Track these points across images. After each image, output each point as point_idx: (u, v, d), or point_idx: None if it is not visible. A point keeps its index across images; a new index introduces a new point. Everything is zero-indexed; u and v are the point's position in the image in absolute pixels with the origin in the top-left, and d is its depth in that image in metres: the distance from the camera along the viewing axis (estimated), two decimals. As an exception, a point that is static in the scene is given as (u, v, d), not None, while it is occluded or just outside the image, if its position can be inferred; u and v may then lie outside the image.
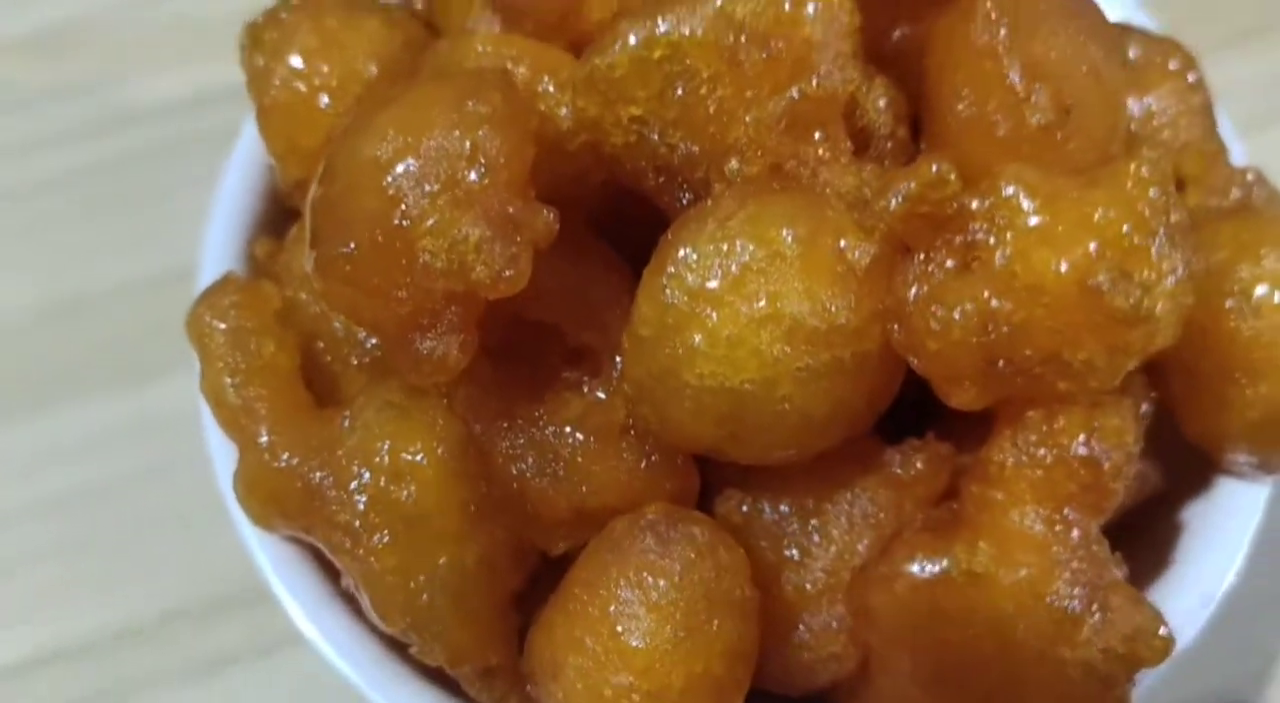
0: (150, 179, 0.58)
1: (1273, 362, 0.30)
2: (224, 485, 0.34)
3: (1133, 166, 0.26)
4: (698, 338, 0.27)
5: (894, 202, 0.26)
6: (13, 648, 0.48)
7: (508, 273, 0.27)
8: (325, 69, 0.35)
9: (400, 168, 0.27)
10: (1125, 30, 0.36)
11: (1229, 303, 0.30)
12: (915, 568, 0.27)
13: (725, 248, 0.27)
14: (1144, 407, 0.31)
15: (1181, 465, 0.34)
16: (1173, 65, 0.35)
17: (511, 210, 0.27)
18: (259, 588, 0.34)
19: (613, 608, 0.29)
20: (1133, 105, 0.34)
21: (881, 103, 0.29)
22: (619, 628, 0.29)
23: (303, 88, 0.35)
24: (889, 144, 0.30)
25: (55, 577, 0.49)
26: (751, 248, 0.27)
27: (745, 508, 0.31)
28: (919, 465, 0.30)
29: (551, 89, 0.31)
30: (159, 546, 0.50)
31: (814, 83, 0.28)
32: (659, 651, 0.28)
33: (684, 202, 0.30)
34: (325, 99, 0.35)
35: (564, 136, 0.31)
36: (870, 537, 0.30)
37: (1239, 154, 0.36)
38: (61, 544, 0.50)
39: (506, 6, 0.34)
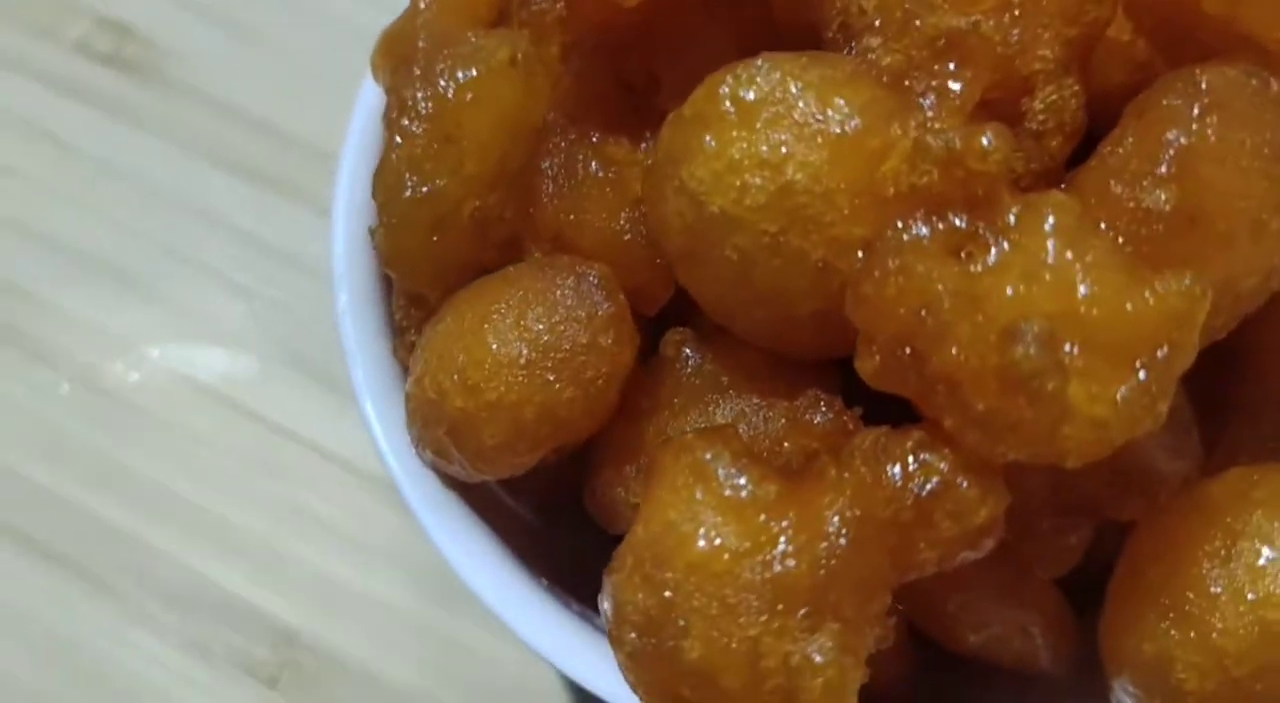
0: None
1: (1209, 612, 0.26)
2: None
3: (1175, 286, 0.22)
4: (712, 140, 0.26)
5: (940, 141, 0.24)
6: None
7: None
8: None
9: None
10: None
11: (1216, 536, 0.26)
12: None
13: (791, 87, 0.26)
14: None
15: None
16: None
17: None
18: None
19: (499, 307, 0.30)
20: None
21: (1053, 101, 0.27)
22: (486, 325, 0.30)
23: None
24: (1033, 152, 0.27)
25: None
26: (808, 102, 0.26)
27: (685, 352, 0.31)
28: (816, 420, 0.29)
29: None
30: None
31: (992, 24, 0.26)
32: (498, 358, 0.29)
33: (831, 34, 0.29)
34: None
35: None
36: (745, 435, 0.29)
37: None
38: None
39: None
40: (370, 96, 0.38)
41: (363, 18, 0.54)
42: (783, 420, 0.29)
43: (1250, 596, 0.26)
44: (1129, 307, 0.22)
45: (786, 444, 0.29)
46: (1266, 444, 0.30)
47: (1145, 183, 0.25)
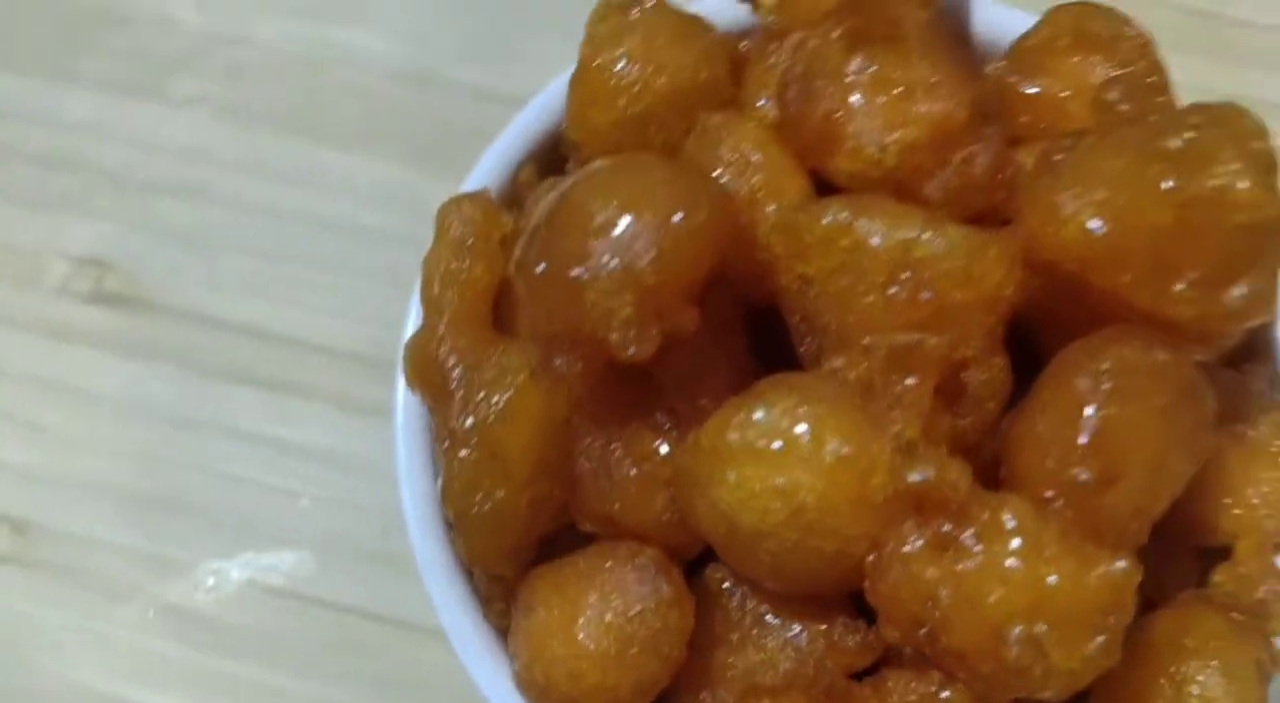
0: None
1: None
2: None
3: (1105, 563, 0.30)
4: (731, 474, 0.33)
5: (919, 476, 0.31)
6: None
7: (632, 350, 0.34)
8: (632, 76, 0.41)
9: (600, 233, 0.34)
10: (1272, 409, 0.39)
11: (1162, 680, 0.34)
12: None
13: (787, 426, 0.33)
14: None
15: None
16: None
17: (663, 304, 0.34)
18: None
19: (583, 602, 0.37)
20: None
21: (983, 378, 0.34)
22: (578, 619, 0.37)
23: (609, 81, 0.42)
24: (975, 410, 0.34)
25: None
26: (805, 439, 0.33)
27: (726, 585, 0.38)
28: (849, 642, 0.36)
29: (769, 207, 0.37)
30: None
31: (934, 341, 0.33)
32: (589, 653, 0.36)
33: (804, 349, 0.36)
34: (621, 99, 0.42)
35: (755, 245, 0.37)
36: (793, 665, 0.37)
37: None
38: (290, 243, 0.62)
39: (784, 110, 0.39)
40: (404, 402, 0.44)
41: (326, 210, 0.60)
42: (821, 643, 0.37)
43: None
44: (1083, 590, 0.30)
45: (829, 663, 0.37)
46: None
47: (1071, 461, 0.32)
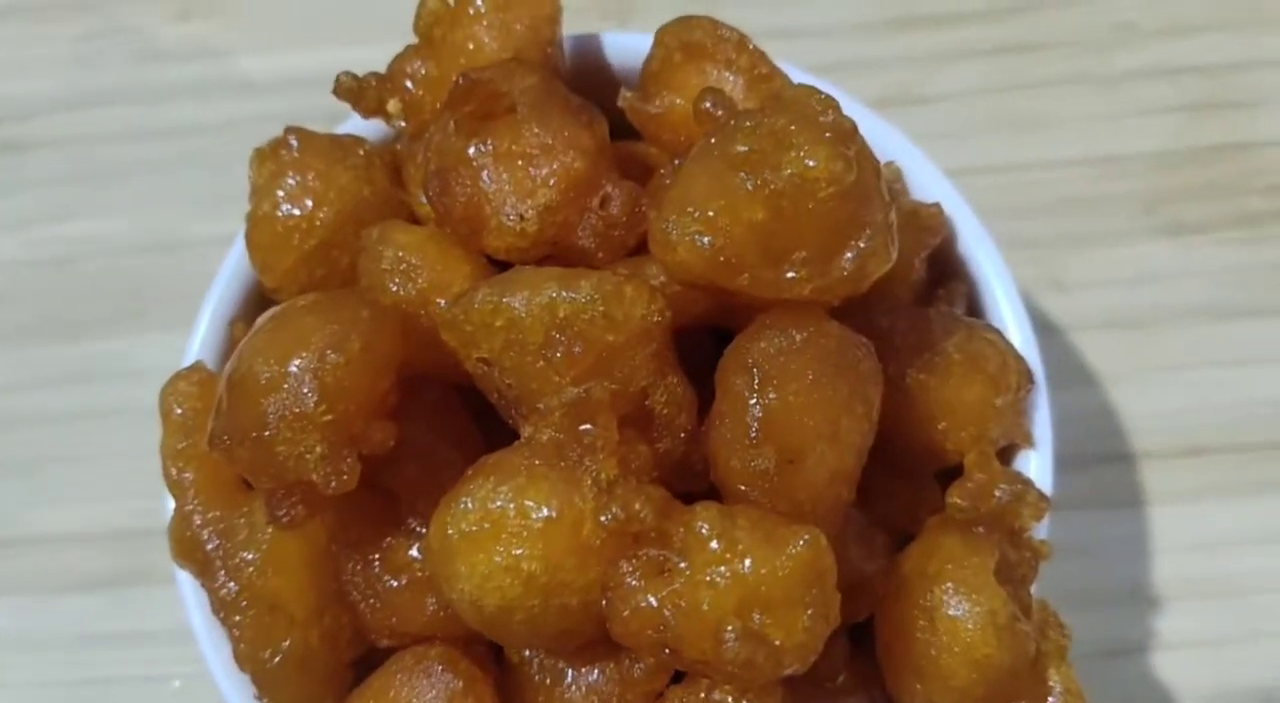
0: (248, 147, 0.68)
1: (938, 670, 0.37)
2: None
3: (795, 539, 0.33)
4: (462, 566, 0.35)
5: (608, 517, 0.33)
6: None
7: (334, 483, 0.36)
8: (297, 213, 0.43)
9: (269, 391, 0.36)
10: (957, 326, 0.42)
11: (916, 613, 0.37)
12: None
13: (492, 506, 0.35)
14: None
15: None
16: (991, 367, 0.41)
17: (353, 430, 0.36)
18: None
19: (391, 718, 0.39)
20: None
21: (664, 398, 0.36)
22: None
23: (278, 226, 0.43)
24: (667, 429, 0.37)
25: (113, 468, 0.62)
26: (510, 511, 0.35)
27: (526, 653, 0.40)
28: (637, 670, 0.38)
29: (440, 303, 0.39)
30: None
31: (604, 384, 0.35)
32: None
33: (513, 420, 0.38)
34: (295, 238, 0.43)
35: (439, 338, 0.39)
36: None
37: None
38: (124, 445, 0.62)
39: (432, 206, 0.41)
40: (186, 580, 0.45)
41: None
42: (616, 680, 0.39)
43: (957, 649, 0.36)
44: (780, 572, 0.32)
45: (629, 696, 0.39)
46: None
47: (749, 453, 0.34)
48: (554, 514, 0.35)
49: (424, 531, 0.40)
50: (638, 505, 0.33)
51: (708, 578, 0.33)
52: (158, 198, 0.67)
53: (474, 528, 0.35)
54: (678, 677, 0.39)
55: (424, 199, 0.43)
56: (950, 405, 0.41)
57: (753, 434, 0.34)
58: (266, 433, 0.35)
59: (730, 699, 0.34)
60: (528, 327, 0.36)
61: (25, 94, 0.70)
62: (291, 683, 0.41)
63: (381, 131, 0.48)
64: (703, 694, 0.35)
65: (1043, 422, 0.43)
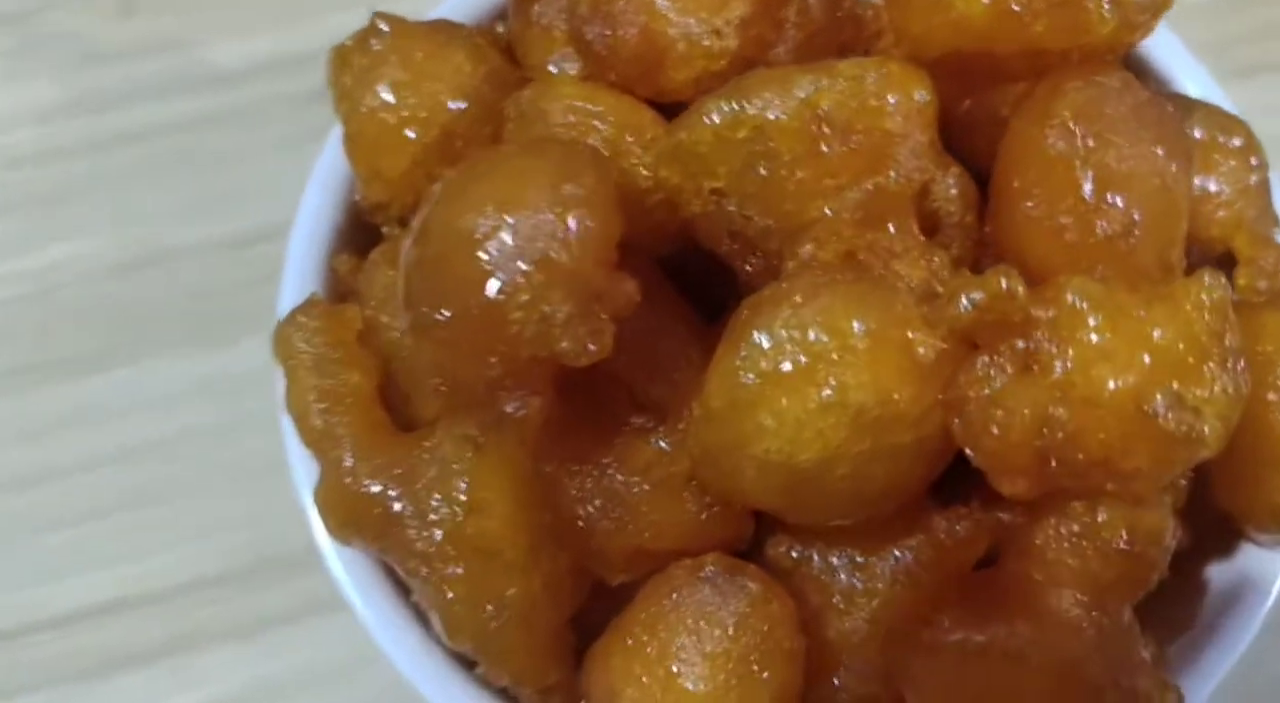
0: (225, 141, 0.60)
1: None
2: (300, 489, 0.37)
3: (1193, 290, 0.27)
4: (766, 418, 0.29)
5: (962, 307, 0.27)
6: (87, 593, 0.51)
7: (591, 347, 0.29)
8: (412, 101, 0.36)
9: (495, 242, 0.28)
10: (1193, 106, 0.37)
11: (1270, 396, 0.32)
12: (956, 640, 0.29)
13: (797, 335, 0.28)
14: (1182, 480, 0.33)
15: (1210, 526, 0.36)
16: (1235, 143, 0.36)
17: (597, 285, 0.29)
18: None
19: (670, 651, 0.31)
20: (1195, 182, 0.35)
21: (953, 192, 0.31)
22: (675, 670, 0.31)
23: (389, 119, 0.36)
24: (957, 230, 0.31)
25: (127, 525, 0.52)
26: (823, 337, 0.28)
27: (795, 554, 0.33)
28: (961, 531, 0.32)
29: (636, 149, 0.33)
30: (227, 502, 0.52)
31: (891, 176, 0.29)
32: (712, 696, 0.30)
33: (752, 267, 0.32)
34: (411, 132, 0.36)
35: (643, 193, 0.33)
36: (912, 592, 0.32)
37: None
38: (135, 494, 0.53)
39: (588, 53, 0.35)
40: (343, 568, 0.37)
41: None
42: (929, 551, 0.32)
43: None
44: (1189, 326, 0.27)
45: (948, 567, 0.32)
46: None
47: (1089, 217, 0.29)
48: (876, 327, 0.28)
49: (656, 423, 0.33)
50: (1004, 281, 0.27)
51: (1107, 352, 0.27)
52: (131, 208, 0.59)
53: (779, 366, 0.28)
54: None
55: (553, 67, 0.37)
56: (1203, 188, 0.36)
57: (1092, 195, 0.29)
58: (498, 296, 0.28)
59: (1122, 519, 0.28)
60: (781, 133, 0.30)
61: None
62: (520, 646, 0.33)
63: (473, 10, 0.41)
64: (1086, 520, 0.29)
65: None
